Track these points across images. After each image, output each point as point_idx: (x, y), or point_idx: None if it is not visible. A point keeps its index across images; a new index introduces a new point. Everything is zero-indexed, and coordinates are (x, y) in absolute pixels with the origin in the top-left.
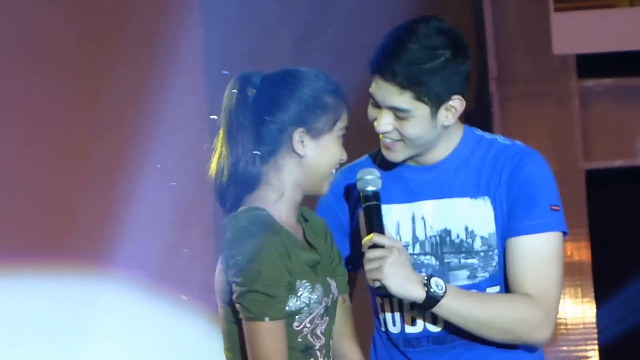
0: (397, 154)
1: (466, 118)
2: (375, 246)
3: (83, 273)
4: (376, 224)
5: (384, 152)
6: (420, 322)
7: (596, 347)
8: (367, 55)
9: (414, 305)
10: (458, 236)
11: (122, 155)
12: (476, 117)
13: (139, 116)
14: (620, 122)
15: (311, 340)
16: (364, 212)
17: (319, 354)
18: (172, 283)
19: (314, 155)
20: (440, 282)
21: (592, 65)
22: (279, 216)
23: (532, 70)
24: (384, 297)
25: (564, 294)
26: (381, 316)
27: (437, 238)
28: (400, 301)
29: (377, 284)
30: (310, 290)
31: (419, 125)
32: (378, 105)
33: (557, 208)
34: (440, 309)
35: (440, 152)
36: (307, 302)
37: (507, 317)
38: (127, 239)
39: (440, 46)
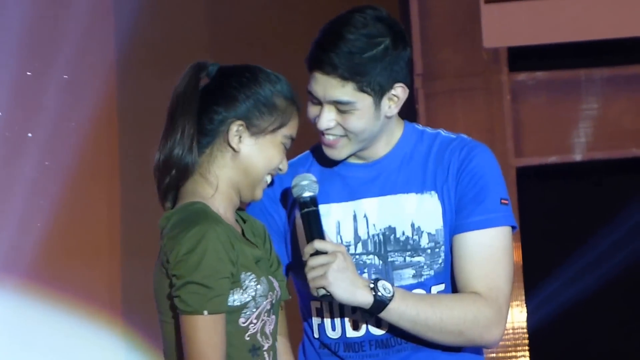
0: (340, 151)
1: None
2: (317, 253)
3: None
4: (316, 230)
5: (326, 150)
6: (363, 326)
7: (527, 353)
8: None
9: (359, 310)
10: (404, 233)
11: None
12: (401, 114)
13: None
14: (554, 116)
15: (260, 340)
16: (302, 219)
17: (266, 355)
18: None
19: (250, 153)
20: (388, 285)
21: (524, 58)
22: (217, 210)
23: (461, 65)
24: (328, 302)
25: None
26: (315, 322)
27: (381, 236)
28: (342, 305)
29: (322, 291)
30: (256, 282)
31: (363, 117)
32: (318, 103)
33: (506, 202)
34: (388, 313)
35: (381, 148)
36: (253, 295)
37: (457, 319)
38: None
39: (379, 34)
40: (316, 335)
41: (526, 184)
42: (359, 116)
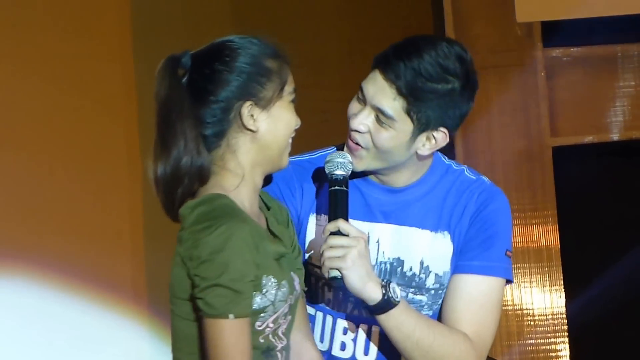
0: (357, 161)
1: None
2: (338, 233)
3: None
4: (341, 210)
5: (347, 152)
6: (349, 348)
7: (566, 339)
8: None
9: (363, 305)
10: (411, 269)
11: None
12: None
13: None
14: (590, 94)
15: (273, 341)
16: (330, 197)
17: (279, 355)
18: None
19: (269, 127)
20: (398, 290)
21: (558, 33)
22: (242, 203)
23: (494, 40)
24: (336, 287)
25: (530, 282)
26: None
27: (388, 265)
28: (334, 321)
29: (335, 272)
30: (277, 287)
31: (395, 139)
32: (363, 102)
33: (510, 254)
34: (388, 317)
35: (408, 177)
36: (273, 300)
37: (446, 349)
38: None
39: (454, 73)
40: None
41: (562, 164)
42: (391, 136)
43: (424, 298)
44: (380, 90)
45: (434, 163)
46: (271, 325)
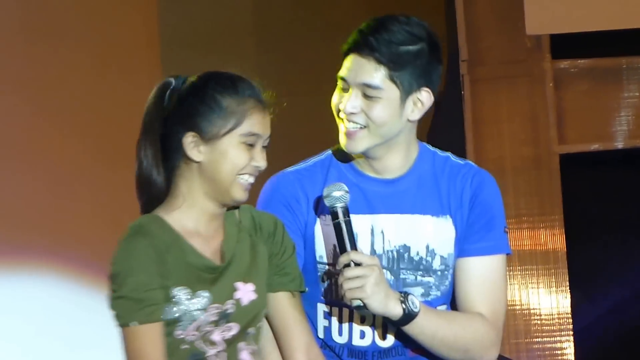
0: (358, 143)
1: (437, 103)
2: (350, 264)
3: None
4: (350, 241)
5: (344, 141)
6: (369, 336)
7: (571, 337)
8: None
9: (386, 320)
10: (418, 253)
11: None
12: (447, 100)
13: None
14: (596, 104)
15: (202, 346)
16: (335, 229)
17: (214, 358)
18: None
19: (211, 160)
20: (416, 300)
21: (566, 45)
22: (180, 223)
23: (505, 52)
24: (359, 312)
25: (537, 283)
26: (321, 324)
27: (395, 253)
28: (351, 313)
29: (357, 302)
30: (189, 297)
31: (387, 108)
32: (347, 88)
33: (507, 230)
34: (411, 326)
35: (399, 164)
36: (186, 310)
37: (468, 338)
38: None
39: (419, 35)
40: (321, 335)
41: (569, 171)
42: (383, 106)
43: (431, 279)
44: (360, 68)
45: (421, 151)
46: (194, 333)
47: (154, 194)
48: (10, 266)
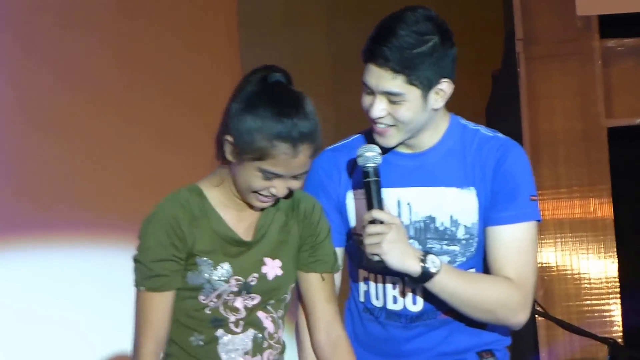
0: (389, 140)
1: (494, 78)
2: (374, 221)
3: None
4: (376, 200)
5: (377, 138)
6: (400, 301)
7: (619, 301)
8: None
9: (408, 277)
10: (442, 224)
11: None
12: (504, 77)
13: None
14: None
15: (223, 313)
16: (365, 188)
17: (233, 325)
18: None
19: (234, 168)
20: (436, 260)
21: (614, 25)
22: (218, 198)
23: (557, 31)
24: (382, 270)
25: (587, 249)
26: (362, 288)
27: (422, 224)
28: (384, 278)
29: (377, 257)
30: (212, 268)
31: (412, 108)
32: (372, 93)
33: (535, 198)
34: (432, 284)
35: (428, 139)
36: (207, 279)
37: (490, 299)
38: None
39: (428, 32)
40: (362, 299)
41: (617, 144)
42: (408, 107)
43: (456, 248)
44: (379, 78)
45: (451, 125)
46: (214, 299)
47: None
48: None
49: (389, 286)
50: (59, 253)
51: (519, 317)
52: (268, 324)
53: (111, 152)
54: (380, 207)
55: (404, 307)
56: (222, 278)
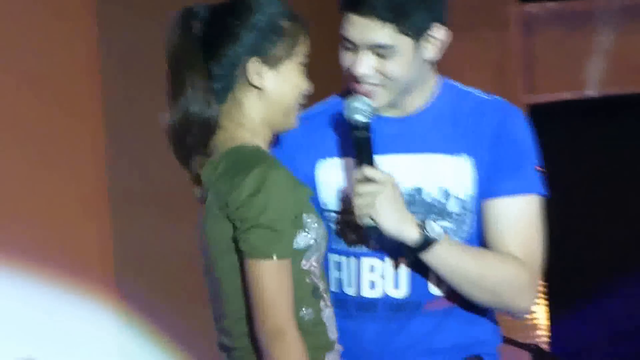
0: (377, 101)
1: None
2: (366, 180)
3: None
4: (367, 157)
5: None
6: (379, 286)
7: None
8: None
9: (403, 248)
10: (430, 195)
11: None
12: None
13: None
14: (567, 50)
15: (316, 281)
16: (353, 143)
17: (325, 296)
18: None
19: (275, 87)
20: (437, 227)
21: None
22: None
23: None
24: (372, 237)
25: None
26: (334, 275)
27: (407, 196)
28: (359, 260)
29: (368, 221)
30: (317, 224)
31: (403, 62)
32: (354, 48)
33: (540, 169)
34: (430, 256)
35: (416, 100)
36: (315, 238)
37: (497, 277)
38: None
39: None
40: (334, 288)
41: (538, 122)
42: (399, 61)
43: (447, 224)
44: (365, 29)
45: (443, 87)
46: (315, 264)
47: (206, 131)
48: None
49: (364, 268)
50: None
51: (525, 301)
52: None
53: None
54: (372, 164)
55: (384, 292)
56: (324, 236)
